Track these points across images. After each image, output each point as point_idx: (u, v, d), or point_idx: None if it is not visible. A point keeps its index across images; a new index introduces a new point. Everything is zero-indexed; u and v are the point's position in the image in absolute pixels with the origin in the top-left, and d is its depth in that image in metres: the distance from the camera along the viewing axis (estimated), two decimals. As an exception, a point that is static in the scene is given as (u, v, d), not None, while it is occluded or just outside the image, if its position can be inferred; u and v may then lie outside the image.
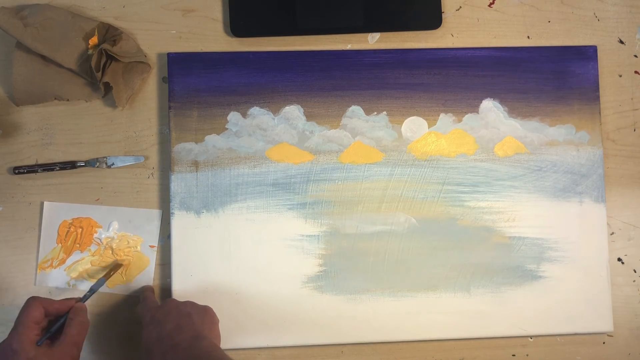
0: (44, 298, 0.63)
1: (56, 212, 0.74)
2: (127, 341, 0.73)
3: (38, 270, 0.73)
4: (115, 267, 0.72)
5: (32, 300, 0.62)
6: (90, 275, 0.73)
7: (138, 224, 0.74)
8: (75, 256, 0.73)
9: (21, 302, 0.73)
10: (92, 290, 0.70)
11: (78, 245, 0.73)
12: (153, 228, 0.74)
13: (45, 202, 0.74)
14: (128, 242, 0.74)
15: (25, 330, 0.59)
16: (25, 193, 0.74)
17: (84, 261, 0.73)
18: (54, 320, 0.65)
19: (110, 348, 0.73)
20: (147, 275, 0.74)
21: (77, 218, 0.74)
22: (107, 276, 0.71)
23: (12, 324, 0.72)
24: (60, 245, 0.73)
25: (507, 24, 0.78)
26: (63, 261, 0.73)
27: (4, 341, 0.60)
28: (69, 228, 0.74)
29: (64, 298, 0.66)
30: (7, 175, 0.74)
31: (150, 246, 0.74)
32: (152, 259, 0.74)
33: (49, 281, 0.73)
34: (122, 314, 0.73)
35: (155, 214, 0.74)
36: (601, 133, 0.76)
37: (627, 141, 0.78)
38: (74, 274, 0.73)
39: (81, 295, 0.69)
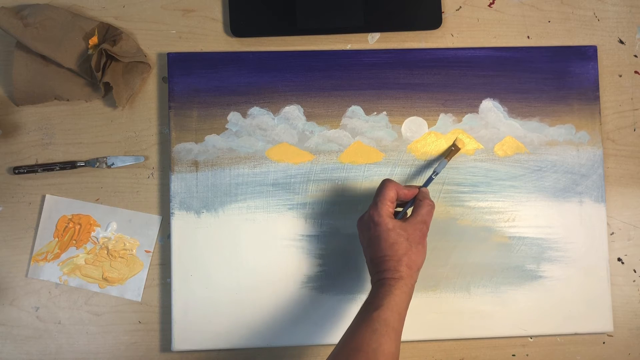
0: (396, 182, 0.67)
1: (57, 206, 0.74)
2: (122, 341, 0.73)
3: (31, 263, 0.73)
4: (454, 149, 0.73)
5: (388, 182, 0.67)
6: (83, 274, 0.73)
7: (137, 226, 0.74)
8: (70, 252, 0.73)
9: (21, 301, 0.73)
10: (435, 173, 0.71)
11: (74, 242, 0.73)
12: (151, 233, 0.74)
13: (47, 195, 0.74)
14: (124, 244, 0.74)
15: (384, 206, 0.65)
16: (25, 193, 0.74)
17: (79, 258, 0.73)
18: (400, 203, 0.69)
19: (105, 347, 0.73)
20: (139, 279, 0.73)
21: (77, 214, 0.74)
22: (448, 157, 0.73)
23: (11, 324, 0.73)
24: (57, 239, 0.73)
25: (507, 24, 0.78)
26: (57, 256, 0.73)
27: (364, 215, 0.67)
28: (68, 223, 0.74)
29: (409, 184, 0.72)
30: (7, 175, 0.74)
31: (145, 251, 0.74)
32: (146, 264, 0.74)
33: (41, 274, 0.73)
34: (117, 315, 0.73)
35: (155, 219, 0.74)
36: (601, 133, 0.76)
37: (627, 141, 0.78)
38: (66, 270, 0.73)
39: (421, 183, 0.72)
